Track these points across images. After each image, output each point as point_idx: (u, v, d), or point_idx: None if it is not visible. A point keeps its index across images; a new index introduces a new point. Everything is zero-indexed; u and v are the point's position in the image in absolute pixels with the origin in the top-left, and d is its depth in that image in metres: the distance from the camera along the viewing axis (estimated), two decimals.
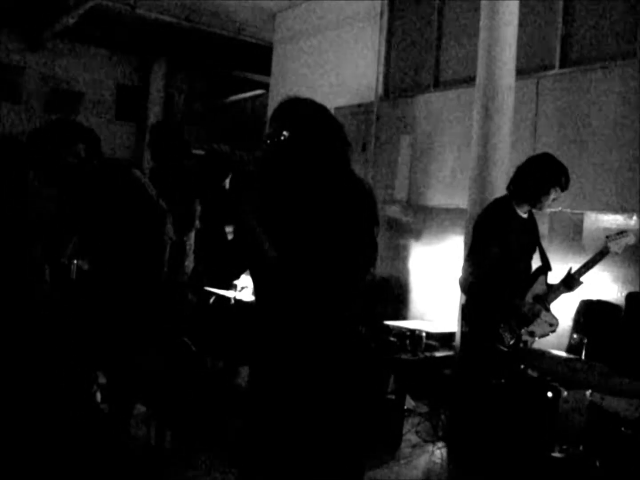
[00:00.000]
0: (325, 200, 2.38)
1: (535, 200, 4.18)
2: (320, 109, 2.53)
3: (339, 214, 2.37)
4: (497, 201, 4.41)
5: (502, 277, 4.08)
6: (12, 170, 4.02)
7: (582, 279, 4.20)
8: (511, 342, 4.06)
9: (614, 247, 4.20)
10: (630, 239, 4.24)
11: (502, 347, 4.04)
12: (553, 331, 4.26)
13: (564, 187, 4.18)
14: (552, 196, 4.16)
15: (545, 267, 4.29)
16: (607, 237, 4.26)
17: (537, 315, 4.13)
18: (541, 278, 4.25)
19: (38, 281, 3.94)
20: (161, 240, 4.05)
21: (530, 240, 4.32)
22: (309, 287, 2.36)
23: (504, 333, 4.06)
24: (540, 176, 4.14)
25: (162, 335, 4.06)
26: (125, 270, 3.96)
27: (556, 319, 4.25)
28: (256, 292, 2.62)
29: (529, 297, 4.16)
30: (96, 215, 3.99)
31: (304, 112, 2.50)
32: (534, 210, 4.32)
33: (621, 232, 4.29)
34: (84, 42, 12.90)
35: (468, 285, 4.20)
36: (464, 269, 4.21)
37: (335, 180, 2.44)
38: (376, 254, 2.53)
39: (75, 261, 4.17)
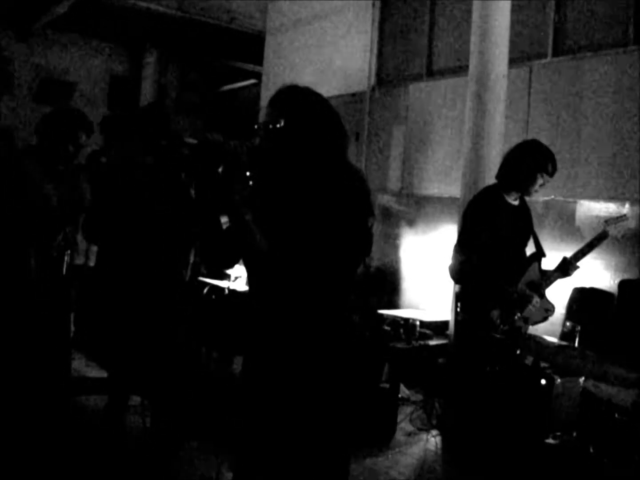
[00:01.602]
0: (319, 189, 2.38)
1: (523, 186, 4.18)
2: (318, 97, 2.52)
3: (333, 203, 2.36)
4: (486, 189, 4.42)
5: (493, 264, 4.09)
6: (8, 160, 4.00)
7: (578, 263, 4.21)
8: (504, 329, 4.07)
9: (612, 230, 4.21)
10: (630, 223, 4.25)
11: (496, 335, 4.05)
12: (548, 317, 4.28)
13: (550, 173, 4.18)
14: (539, 182, 4.16)
15: (539, 253, 4.31)
16: (605, 221, 4.27)
17: (528, 301, 4.13)
18: (534, 265, 4.26)
19: (22, 273, 3.92)
20: (189, 238, 4.06)
21: (523, 227, 4.33)
22: (302, 277, 2.36)
23: (497, 320, 4.07)
24: (526, 162, 4.15)
25: (167, 334, 4.08)
26: (144, 264, 3.98)
27: (552, 305, 4.26)
28: (249, 281, 2.62)
29: (521, 284, 4.17)
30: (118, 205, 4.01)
31: (301, 100, 2.48)
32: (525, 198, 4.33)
33: (620, 217, 4.30)
34: (75, 32, 12.79)
35: (457, 273, 4.21)
36: (453, 257, 4.22)
37: (330, 169, 2.43)
38: (370, 244, 2.53)
39: (67, 252, 4.16)
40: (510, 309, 4.10)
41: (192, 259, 4.26)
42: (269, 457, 2.48)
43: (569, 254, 4.25)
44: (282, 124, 2.41)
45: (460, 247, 4.19)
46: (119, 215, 4.08)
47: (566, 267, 4.20)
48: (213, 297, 6.83)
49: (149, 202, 4.01)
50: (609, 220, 4.26)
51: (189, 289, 4.47)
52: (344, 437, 2.56)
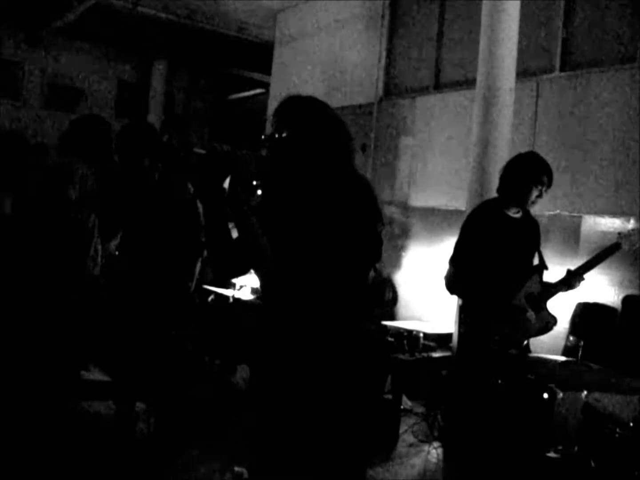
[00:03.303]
0: (326, 197, 2.39)
1: (519, 199, 4.17)
2: (322, 106, 2.54)
3: (341, 211, 2.38)
4: (485, 203, 4.44)
5: (488, 276, 4.09)
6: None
7: (585, 275, 4.19)
8: (503, 341, 4.06)
9: (626, 244, 4.18)
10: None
11: (496, 347, 4.05)
12: (550, 329, 4.26)
13: (546, 185, 4.18)
14: (534, 194, 4.15)
15: (541, 266, 4.30)
16: (619, 233, 4.24)
17: (521, 314, 4.11)
18: (535, 277, 4.25)
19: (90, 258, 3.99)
20: (198, 250, 4.12)
21: (526, 240, 4.31)
22: (311, 285, 2.37)
23: (496, 332, 4.07)
24: (520, 174, 4.16)
25: (166, 338, 4.11)
26: (153, 273, 4.03)
27: (553, 317, 4.24)
28: (262, 290, 2.63)
29: (521, 296, 4.16)
30: (148, 222, 4.08)
31: (305, 109, 2.51)
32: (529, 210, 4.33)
33: (634, 230, 4.27)
34: (84, 39, 12.88)
35: (450, 285, 4.22)
36: (447, 269, 4.23)
37: (337, 177, 2.45)
38: (380, 249, 2.54)
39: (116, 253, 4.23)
40: (505, 321, 4.09)
41: (197, 270, 4.30)
42: (282, 466, 2.48)
43: (573, 268, 4.24)
44: (287, 133, 2.44)
45: (454, 259, 4.21)
46: (124, 222, 4.13)
47: (571, 280, 4.18)
48: (212, 297, 6.85)
49: (152, 211, 4.06)
50: (622, 233, 4.23)
51: (192, 297, 4.50)
52: (359, 447, 2.56)
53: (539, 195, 4.18)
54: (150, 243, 4.02)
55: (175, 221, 4.01)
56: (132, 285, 4.10)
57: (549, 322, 4.25)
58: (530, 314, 4.12)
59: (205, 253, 4.15)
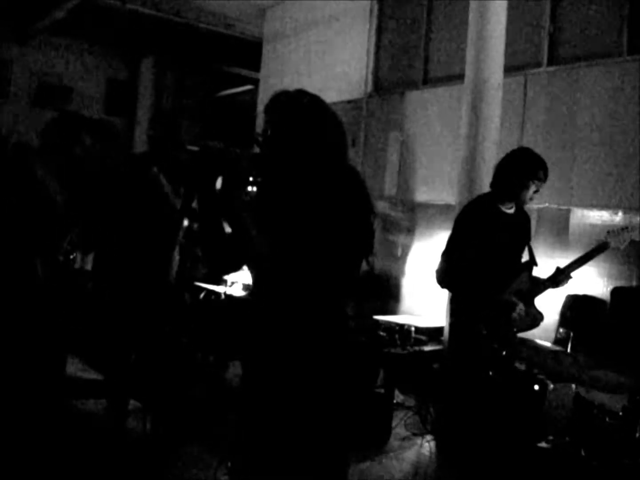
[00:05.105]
0: (319, 192, 2.40)
1: (515, 194, 4.18)
2: (313, 99, 2.55)
3: (334, 204, 2.38)
4: (479, 198, 4.45)
5: (480, 271, 4.10)
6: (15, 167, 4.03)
7: (572, 274, 4.22)
8: (488, 335, 4.07)
9: (615, 242, 4.19)
10: (635, 235, 4.22)
11: (484, 341, 4.06)
12: (537, 325, 4.29)
13: (542, 180, 4.19)
14: (531, 189, 4.17)
15: (531, 262, 4.32)
16: (608, 232, 4.23)
17: (512, 308, 4.13)
18: (524, 274, 4.26)
19: (28, 276, 3.93)
20: (174, 241, 4.11)
21: (518, 236, 4.34)
22: (305, 281, 2.38)
23: (485, 326, 4.08)
24: (517, 170, 4.17)
25: (159, 335, 4.11)
26: (133, 269, 4.02)
27: (541, 314, 4.27)
28: (254, 285, 2.64)
29: (510, 292, 4.18)
30: (110, 211, 4.06)
31: (296, 104, 2.51)
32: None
33: (624, 228, 4.27)
34: (73, 36, 12.81)
35: (441, 278, 4.23)
36: (439, 262, 4.23)
37: (329, 171, 2.46)
38: (372, 242, 2.56)
39: (72, 256, 4.19)
40: (495, 316, 4.11)
41: (176, 257, 4.28)
42: (267, 462, 2.50)
43: (561, 261, 4.26)
44: (279, 129, 2.45)
45: (447, 253, 4.21)
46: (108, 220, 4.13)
47: (558, 278, 4.21)
48: (212, 297, 6.86)
49: (130, 207, 4.06)
50: (611, 231, 4.24)
51: (177, 291, 4.50)
52: (343, 441, 2.58)
53: (536, 191, 4.20)
54: (127, 237, 4.02)
55: (149, 214, 4.01)
56: (115, 281, 4.10)
57: (537, 319, 4.28)
58: (521, 310, 4.13)
59: (184, 246, 4.17)
